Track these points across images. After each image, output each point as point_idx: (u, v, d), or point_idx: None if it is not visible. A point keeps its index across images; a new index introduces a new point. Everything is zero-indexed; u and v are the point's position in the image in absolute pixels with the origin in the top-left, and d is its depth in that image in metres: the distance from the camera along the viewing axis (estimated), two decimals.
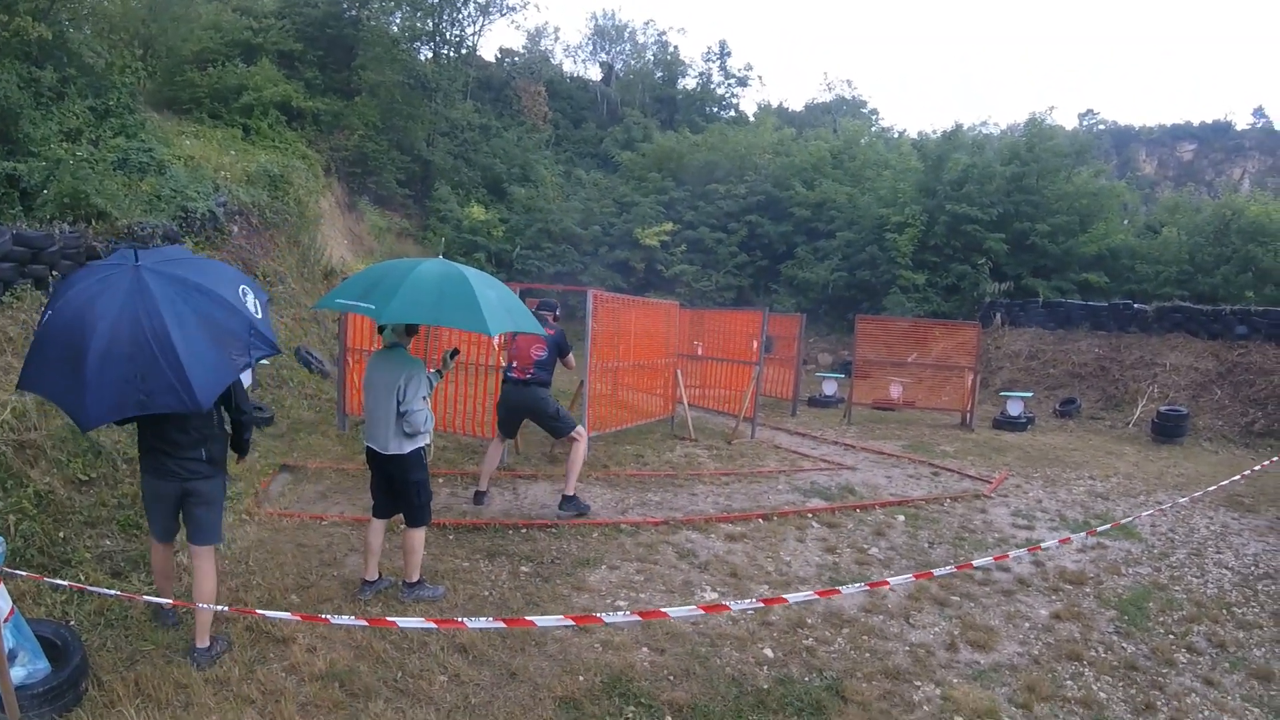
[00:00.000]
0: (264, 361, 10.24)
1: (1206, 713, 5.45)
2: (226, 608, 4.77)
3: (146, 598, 4.88)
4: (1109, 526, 8.79)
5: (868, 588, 5.73)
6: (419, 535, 6.03)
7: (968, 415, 16.81)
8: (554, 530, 7.97)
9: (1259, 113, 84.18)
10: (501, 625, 4.70)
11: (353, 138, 27.33)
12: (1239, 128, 67.07)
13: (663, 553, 7.65)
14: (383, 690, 4.84)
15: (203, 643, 4.91)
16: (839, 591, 5.19)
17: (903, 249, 26.08)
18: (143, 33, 19.50)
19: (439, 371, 6.29)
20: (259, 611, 4.84)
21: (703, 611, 5.24)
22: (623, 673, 5.20)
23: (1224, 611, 7.22)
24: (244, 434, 5.43)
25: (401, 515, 6.10)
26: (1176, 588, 7.73)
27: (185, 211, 13.25)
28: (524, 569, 6.89)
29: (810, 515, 9.30)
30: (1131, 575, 7.98)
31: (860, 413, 17.51)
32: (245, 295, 4.70)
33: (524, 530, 7.90)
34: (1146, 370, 19.38)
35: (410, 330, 6.03)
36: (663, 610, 5.19)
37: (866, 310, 24.68)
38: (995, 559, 7.02)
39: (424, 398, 5.75)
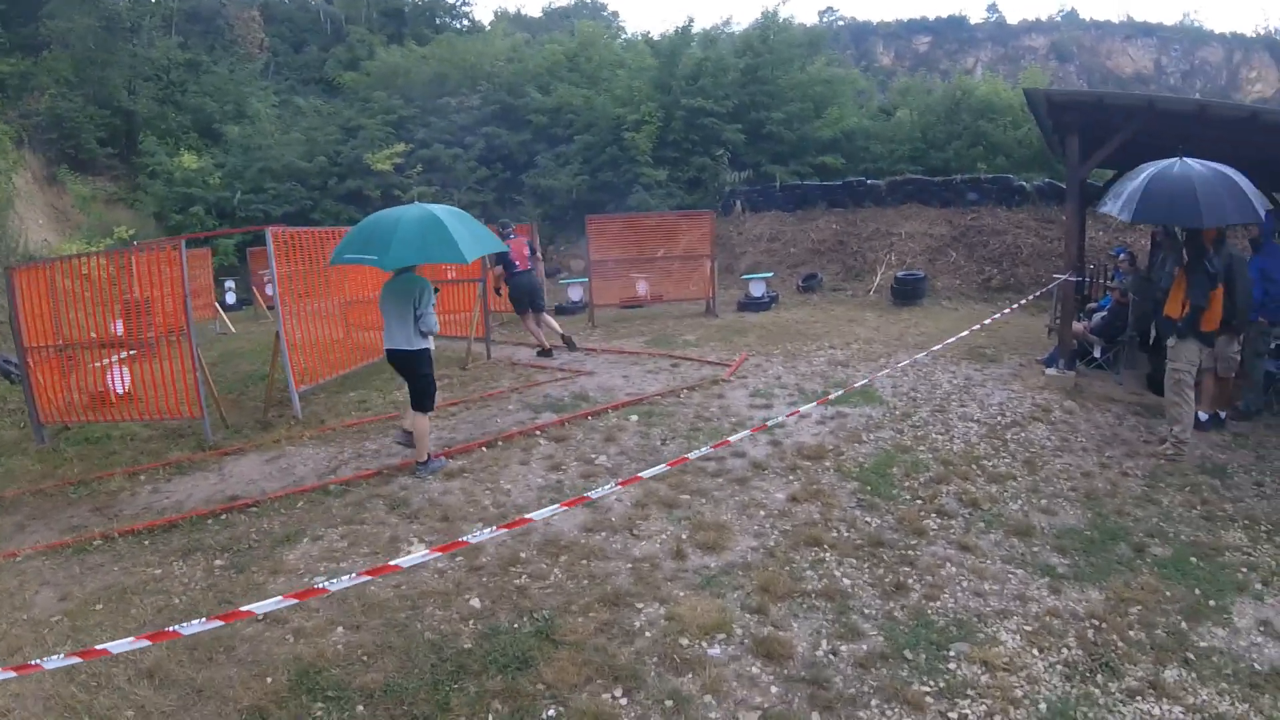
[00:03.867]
0: None
1: (965, 584, 4.91)
2: None
3: None
4: (841, 392, 8.32)
5: (563, 508, 4.73)
6: (424, 420, 7.31)
7: (711, 302, 16.39)
8: (255, 510, 6.79)
9: (992, 8, 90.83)
10: (218, 623, 3.53)
11: (44, 99, 24.53)
12: (973, 21, 70.43)
13: (371, 509, 6.57)
14: None
15: None
16: (530, 520, 4.34)
17: (642, 147, 25.49)
18: None
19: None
20: None
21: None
22: (313, 663, 4.38)
23: (973, 467, 6.81)
24: None
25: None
26: (921, 448, 7.28)
27: None
28: (218, 563, 5.82)
29: (538, 433, 8.32)
30: (873, 441, 7.48)
31: (606, 314, 16.69)
32: None
33: (223, 517, 6.71)
34: (883, 240, 19.62)
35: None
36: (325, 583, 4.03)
37: (613, 211, 23.90)
38: (714, 446, 6.21)
39: (431, 306, 7.13)
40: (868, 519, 5.79)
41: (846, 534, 5.55)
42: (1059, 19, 69.37)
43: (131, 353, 9.76)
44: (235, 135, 29.53)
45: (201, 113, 31.02)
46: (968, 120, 24.60)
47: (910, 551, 5.28)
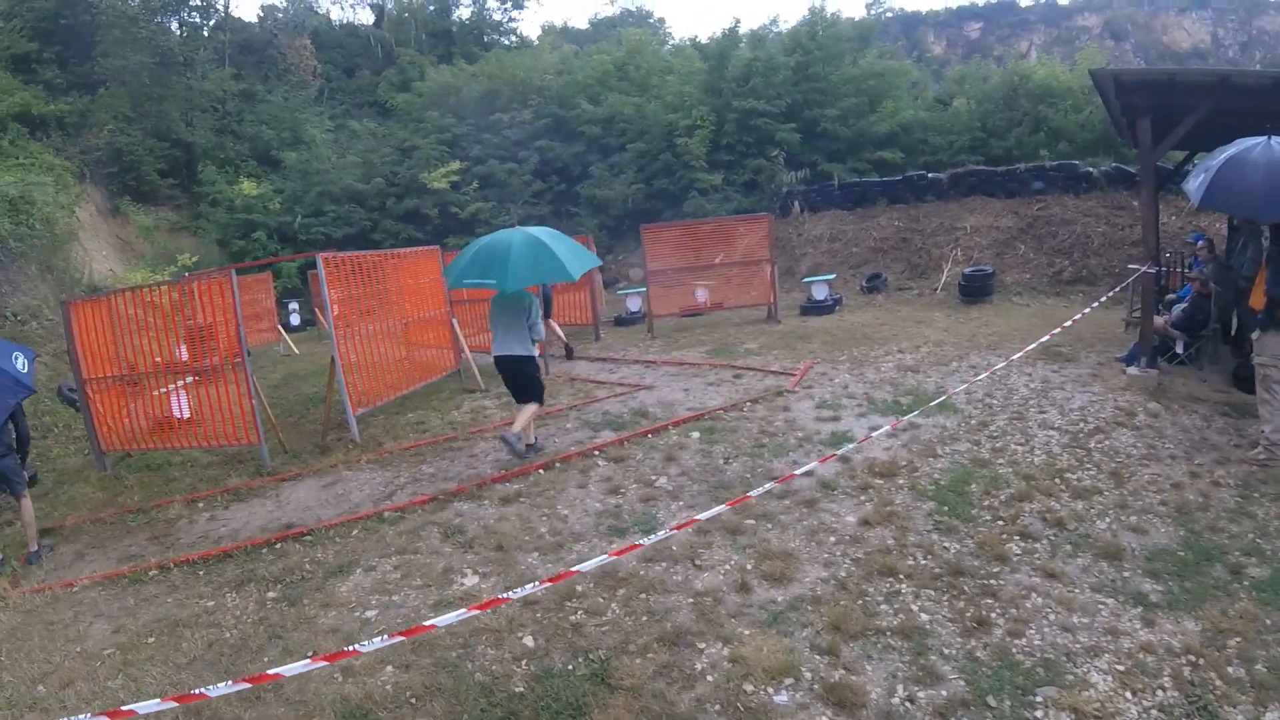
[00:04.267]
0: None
1: (1052, 617, 4.48)
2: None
3: None
4: (913, 410, 7.86)
5: (610, 557, 4.46)
6: (532, 407, 8.28)
7: (772, 307, 15.99)
8: (309, 538, 6.68)
9: None
10: (245, 685, 3.45)
11: (103, 134, 24.90)
12: (1023, 4, 68.90)
13: (426, 537, 6.39)
14: None
15: (33, 547, 7.10)
16: (574, 572, 4.16)
17: (695, 152, 25.27)
18: None
19: None
20: None
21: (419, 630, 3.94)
22: (360, 705, 4.19)
23: (1056, 481, 6.33)
24: (25, 446, 7.73)
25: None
26: (1000, 461, 6.82)
27: None
28: (271, 595, 5.70)
29: (597, 453, 8.08)
30: (949, 455, 7.05)
31: (666, 324, 16.39)
32: (17, 359, 7.16)
33: (278, 546, 6.62)
34: (948, 235, 19.02)
35: None
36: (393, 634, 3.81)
37: (669, 218, 23.64)
38: (779, 481, 5.89)
39: (540, 318, 8.12)
40: (946, 544, 5.40)
41: (923, 561, 5.17)
42: None
43: (193, 379, 9.75)
44: (293, 161, 29.91)
45: (259, 141, 31.53)
46: (1027, 106, 23.77)
47: (992, 581, 4.88)
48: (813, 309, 16.16)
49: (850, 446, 7.13)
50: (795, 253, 21.36)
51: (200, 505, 8.04)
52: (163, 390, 9.78)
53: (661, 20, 53.68)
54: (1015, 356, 9.03)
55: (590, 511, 6.55)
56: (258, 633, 5.13)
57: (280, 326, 20.63)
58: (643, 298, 17.32)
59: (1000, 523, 5.66)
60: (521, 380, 8.24)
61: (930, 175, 21.01)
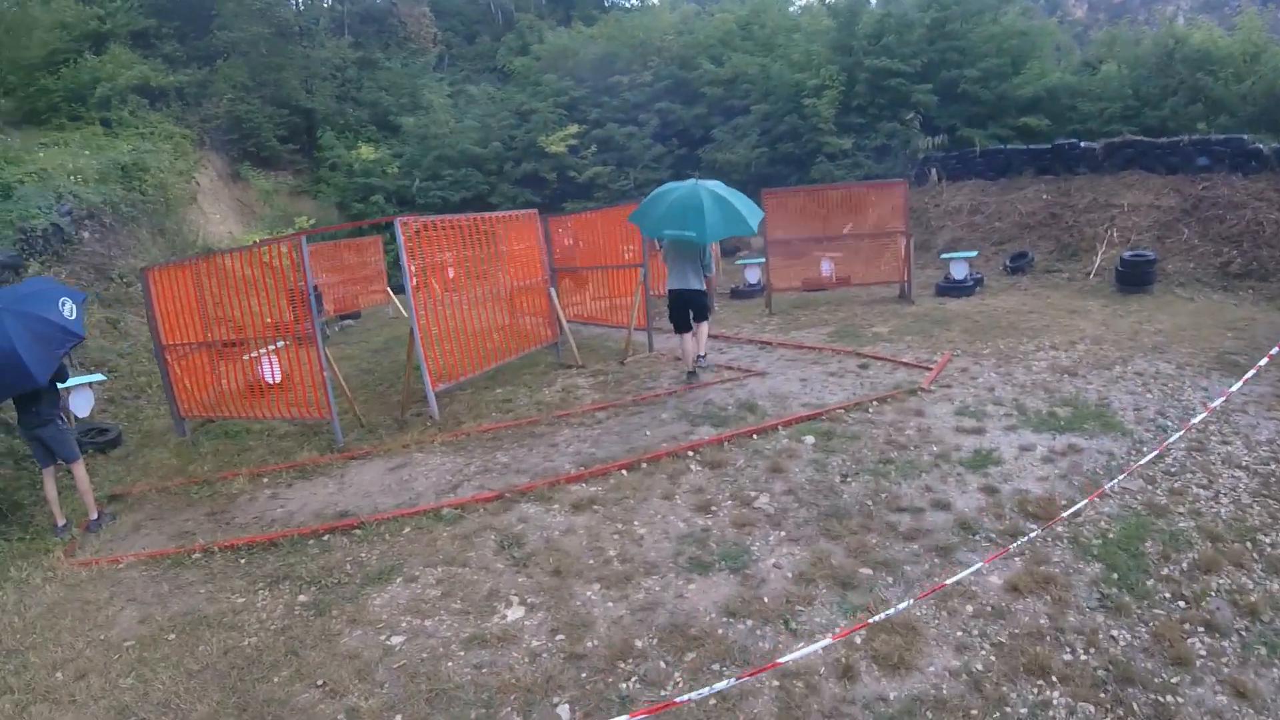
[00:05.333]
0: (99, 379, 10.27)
1: None
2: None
3: None
4: (1069, 438, 6.54)
5: (829, 641, 3.49)
6: (705, 325, 9.76)
7: (905, 286, 14.51)
8: (359, 533, 6.21)
9: None
10: None
11: (222, 104, 25.83)
12: None
13: (480, 545, 5.73)
14: None
15: (93, 515, 7.22)
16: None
17: (824, 114, 23.62)
18: None
19: None
20: None
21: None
22: None
23: (1247, 545, 4.95)
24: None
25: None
26: (1180, 510, 5.45)
27: (24, 233, 12.52)
28: (302, 598, 5.32)
29: (691, 454, 7.06)
30: (1118, 495, 5.71)
31: (786, 299, 15.10)
32: (64, 305, 6.99)
33: (325, 538, 6.21)
34: (1103, 213, 17.06)
35: None
36: None
37: (795, 184, 22.35)
38: (919, 598, 4.71)
39: (712, 258, 9.65)
40: (1114, 630, 4.18)
41: (1084, 656, 3.98)
42: None
43: (283, 343, 9.40)
44: (411, 126, 29.82)
45: (378, 107, 31.68)
46: (1184, 73, 20.96)
47: (1168, 696, 3.69)
48: (951, 289, 14.60)
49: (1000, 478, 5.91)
50: (932, 225, 19.70)
51: (265, 481, 7.82)
52: (253, 355, 9.58)
53: None
54: (1235, 388, 7.17)
55: (671, 533, 5.61)
56: (276, 645, 4.80)
57: (389, 289, 20.31)
58: (762, 269, 16.08)
59: (1182, 603, 4.40)
60: (696, 306, 9.53)
61: (1083, 145, 18.85)
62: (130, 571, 6.11)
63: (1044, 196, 18.38)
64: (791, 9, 35.07)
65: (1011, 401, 7.87)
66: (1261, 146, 16.22)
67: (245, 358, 9.54)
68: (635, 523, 5.80)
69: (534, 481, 6.73)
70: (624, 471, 6.79)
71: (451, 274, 10.53)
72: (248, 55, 26.95)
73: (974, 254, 16.10)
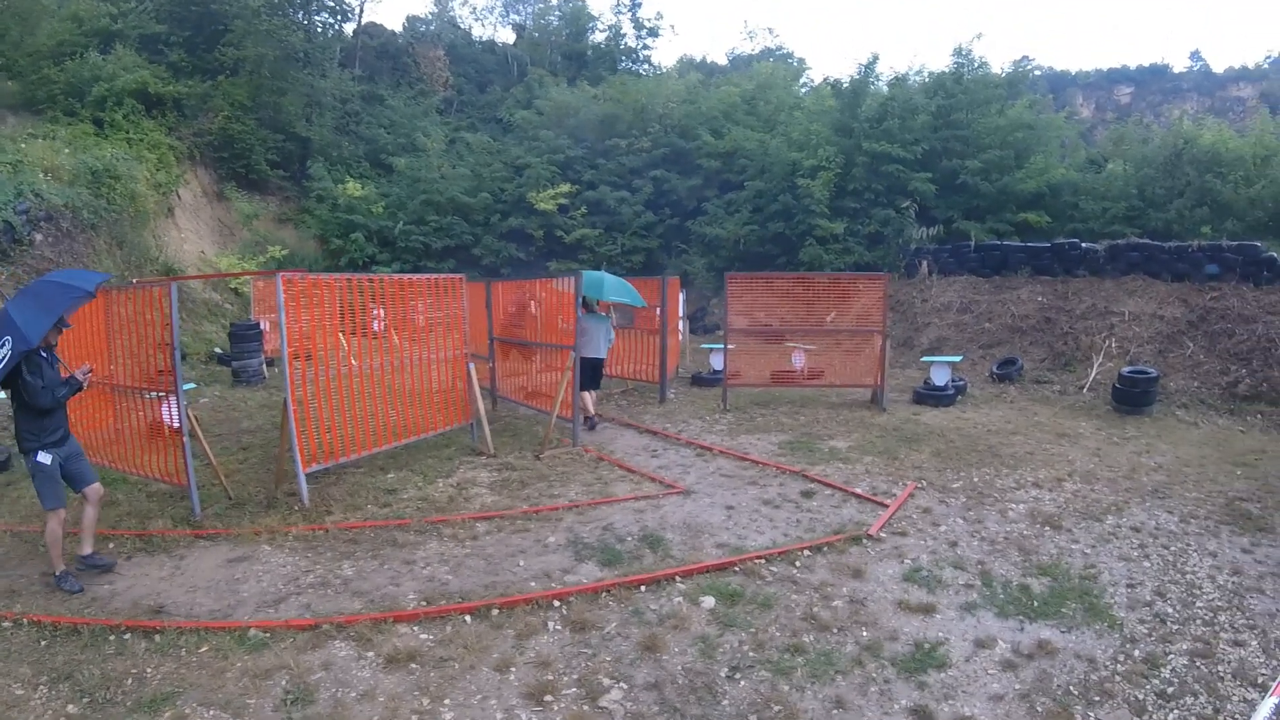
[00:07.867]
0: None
1: None
2: None
3: None
4: (1040, 630, 5.08)
5: None
6: (589, 394, 11.52)
7: (878, 391, 13.06)
8: (159, 638, 5.24)
9: (1195, 55, 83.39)
10: None
11: (217, 120, 25.86)
12: (1176, 70, 65.25)
13: (266, 691, 4.59)
14: None
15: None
16: None
17: (817, 195, 22.74)
18: None
19: None
20: None
21: None
22: None
23: None
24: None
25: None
26: None
27: None
28: (71, 709, 4.45)
29: (558, 602, 5.60)
30: None
31: (748, 394, 13.73)
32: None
33: (126, 635, 5.28)
34: (1101, 320, 15.76)
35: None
36: None
37: (783, 266, 21.29)
38: None
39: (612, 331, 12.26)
40: None
41: None
42: (1266, 66, 62.83)
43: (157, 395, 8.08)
44: (403, 167, 29.52)
45: (375, 143, 31.50)
46: (1192, 175, 20.15)
47: None
48: (929, 397, 13.23)
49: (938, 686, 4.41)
50: (918, 321, 18.45)
51: (110, 546, 6.91)
52: (153, 395, 8.18)
53: (801, 60, 51.52)
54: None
55: None
56: None
57: (340, 335, 19.18)
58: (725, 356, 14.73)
59: None
60: (595, 375, 11.63)
61: (1084, 245, 17.73)
62: None
63: (1039, 298, 17.18)
64: (798, 85, 34.53)
65: (976, 565, 6.34)
66: (1276, 256, 15.14)
67: (146, 396, 8.18)
68: (446, 702, 4.39)
69: (360, 614, 5.40)
70: (468, 618, 5.37)
71: (345, 343, 9.20)
72: (251, 75, 26.89)
73: (958, 358, 14.84)
